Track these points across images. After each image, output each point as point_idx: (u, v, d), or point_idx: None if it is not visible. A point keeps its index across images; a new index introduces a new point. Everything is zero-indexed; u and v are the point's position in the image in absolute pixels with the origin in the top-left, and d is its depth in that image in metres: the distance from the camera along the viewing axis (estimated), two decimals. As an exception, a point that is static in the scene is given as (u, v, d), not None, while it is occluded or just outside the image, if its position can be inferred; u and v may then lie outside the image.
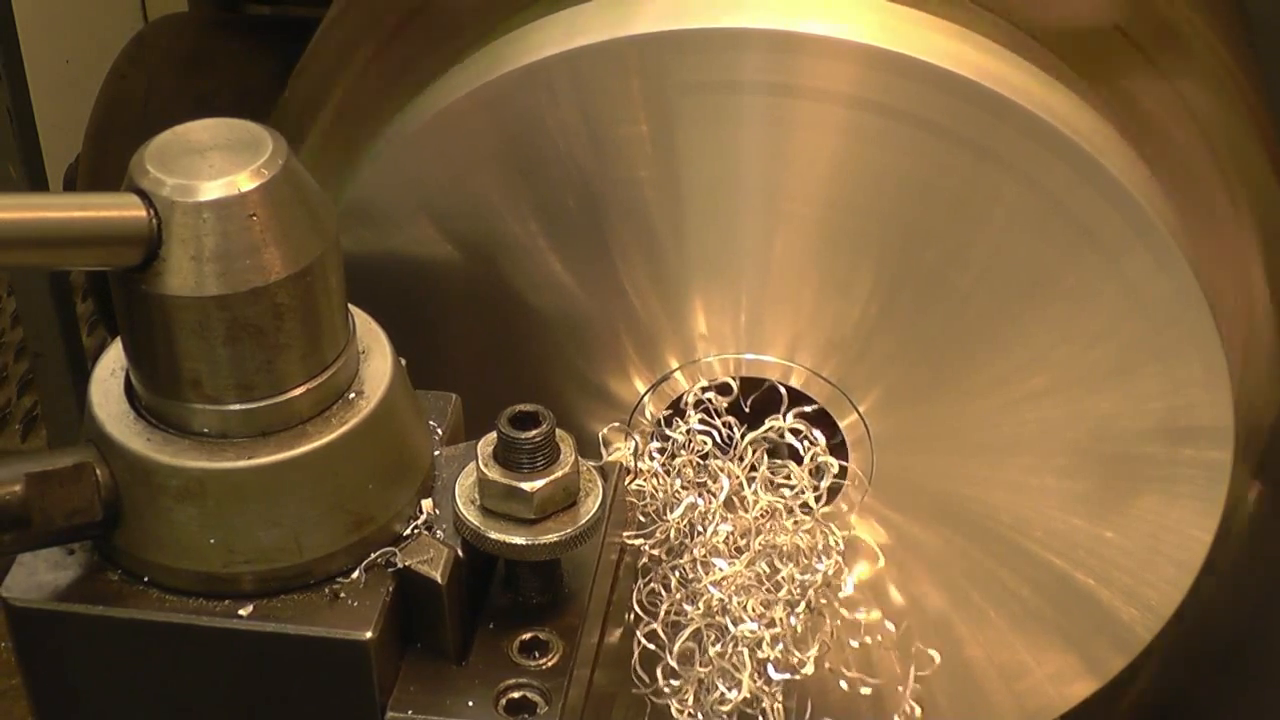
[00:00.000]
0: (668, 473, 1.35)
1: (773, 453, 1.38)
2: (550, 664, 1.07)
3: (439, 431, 1.15)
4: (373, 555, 1.06)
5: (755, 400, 1.38)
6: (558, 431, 1.07)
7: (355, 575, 1.05)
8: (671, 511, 1.33)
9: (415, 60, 1.37)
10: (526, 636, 1.09)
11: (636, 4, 1.28)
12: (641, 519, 1.33)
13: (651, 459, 1.36)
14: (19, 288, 2.33)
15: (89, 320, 3.07)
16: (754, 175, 1.29)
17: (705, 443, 1.37)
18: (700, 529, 1.33)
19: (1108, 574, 1.40)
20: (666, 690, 1.32)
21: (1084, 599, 1.41)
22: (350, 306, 1.08)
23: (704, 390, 1.37)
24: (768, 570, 1.34)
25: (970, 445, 1.37)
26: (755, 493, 1.35)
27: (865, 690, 1.45)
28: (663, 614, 1.32)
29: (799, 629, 1.34)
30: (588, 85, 1.27)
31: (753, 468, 1.37)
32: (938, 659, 1.42)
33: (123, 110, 2.20)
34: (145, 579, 1.05)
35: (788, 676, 1.34)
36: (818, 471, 1.37)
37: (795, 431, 1.36)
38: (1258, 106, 1.47)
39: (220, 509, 1.02)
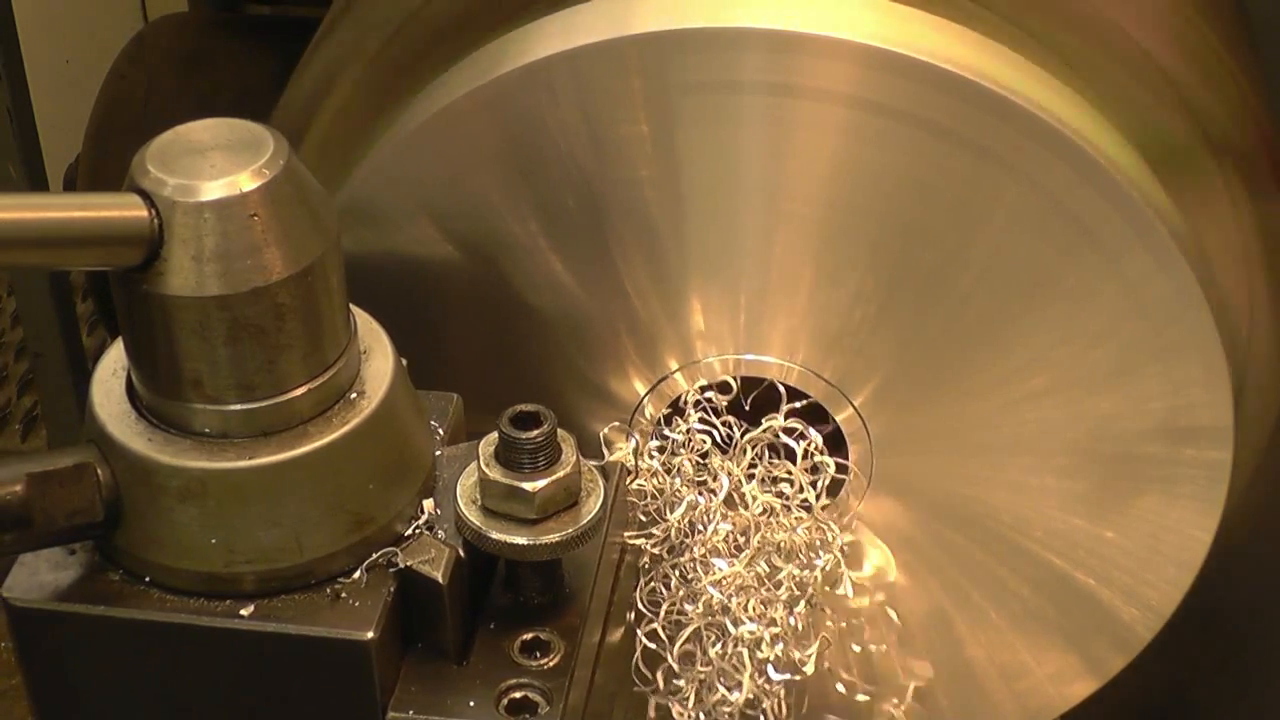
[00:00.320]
0: (668, 472, 1.35)
1: (778, 452, 1.38)
2: (551, 664, 1.07)
3: (440, 431, 1.15)
4: (374, 555, 1.06)
5: (755, 399, 1.38)
6: (559, 431, 1.07)
7: (356, 575, 1.05)
8: (672, 511, 1.33)
9: (415, 61, 1.37)
10: (528, 636, 1.09)
11: (637, 4, 1.28)
12: (642, 518, 1.33)
13: (651, 458, 1.36)
14: (19, 288, 2.33)
15: (89, 320, 3.07)
16: (754, 175, 1.29)
17: (705, 442, 1.37)
18: (700, 528, 1.33)
19: (1108, 574, 1.40)
20: (668, 691, 1.32)
21: (1084, 599, 1.41)
22: (351, 306, 1.08)
23: (703, 390, 1.38)
24: (767, 569, 1.34)
25: (971, 445, 1.37)
26: (754, 491, 1.35)
27: (861, 698, 1.45)
28: (663, 613, 1.32)
29: (799, 626, 1.34)
30: (588, 85, 1.27)
31: (752, 466, 1.37)
32: (930, 673, 1.43)
33: (123, 110, 2.20)
34: (146, 579, 1.05)
35: (788, 677, 1.34)
36: (815, 470, 1.37)
37: (792, 430, 1.37)
38: (1258, 106, 1.47)
39: (221, 509, 1.02)
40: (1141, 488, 1.37)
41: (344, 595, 1.05)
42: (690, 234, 1.32)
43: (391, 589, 1.05)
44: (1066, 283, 1.30)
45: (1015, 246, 1.29)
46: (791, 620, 1.33)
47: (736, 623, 1.31)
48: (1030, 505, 1.39)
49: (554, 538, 1.06)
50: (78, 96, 2.42)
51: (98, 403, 1.05)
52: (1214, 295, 1.31)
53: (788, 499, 1.37)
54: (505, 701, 1.05)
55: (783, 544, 1.36)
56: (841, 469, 1.38)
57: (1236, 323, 1.37)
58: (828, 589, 1.38)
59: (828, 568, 1.36)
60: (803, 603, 1.35)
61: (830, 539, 1.37)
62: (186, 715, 1.09)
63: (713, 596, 1.31)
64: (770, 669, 1.33)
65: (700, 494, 1.34)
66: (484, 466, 1.06)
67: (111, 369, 1.07)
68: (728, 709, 1.32)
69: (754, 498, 1.35)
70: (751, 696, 1.33)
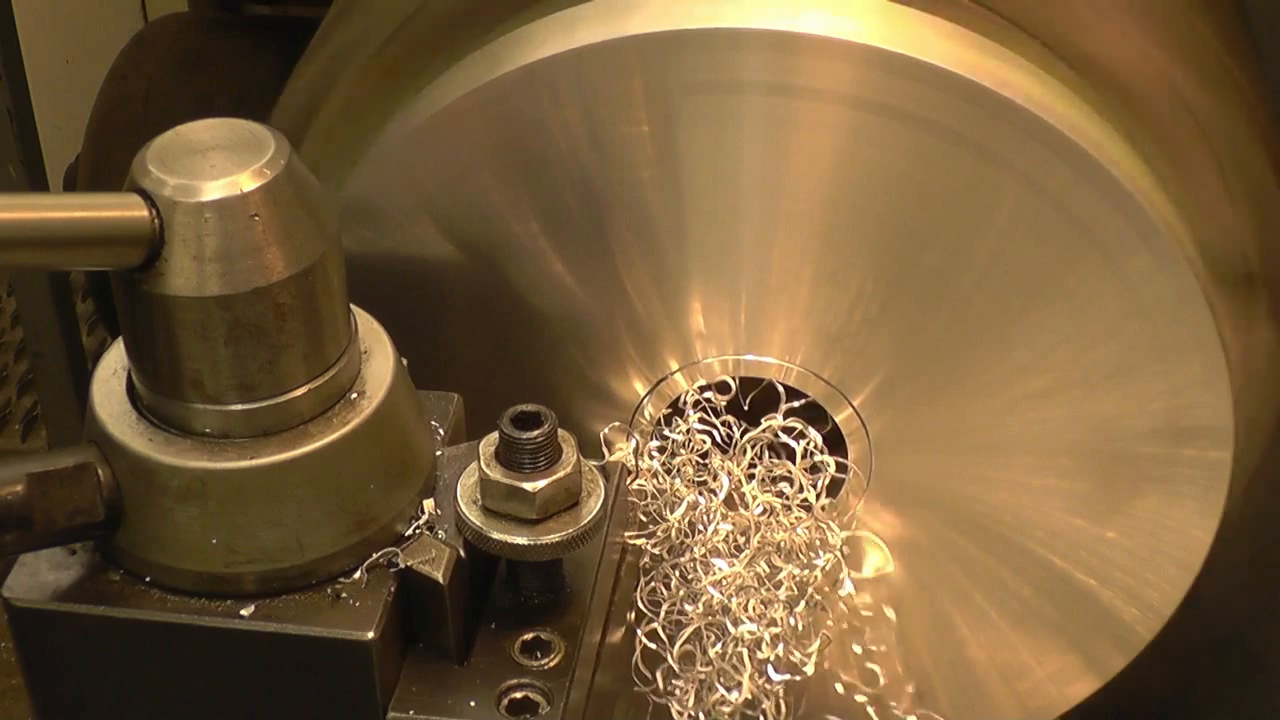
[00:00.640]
0: (668, 472, 1.35)
1: (778, 452, 1.38)
2: (552, 664, 1.07)
3: (441, 431, 1.15)
4: (375, 555, 1.06)
5: (755, 399, 1.38)
6: (560, 431, 1.07)
7: (357, 575, 1.06)
8: (672, 511, 1.33)
9: (415, 60, 1.37)
10: (528, 636, 1.09)
11: (637, 4, 1.28)
12: (642, 518, 1.33)
13: (652, 458, 1.36)
14: (19, 288, 2.33)
15: (89, 320, 3.07)
16: (754, 175, 1.29)
17: (705, 442, 1.37)
18: (701, 528, 1.33)
19: (1109, 574, 1.40)
20: (667, 692, 1.33)
21: (1085, 599, 1.41)
22: (352, 306, 1.08)
23: (703, 390, 1.38)
24: (767, 569, 1.34)
25: (972, 445, 1.37)
26: (754, 491, 1.35)
27: (860, 698, 1.45)
28: (663, 613, 1.32)
29: (799, 626, 1.34)
30: (588, 85, 1.27)
31: (752, 466, 1.37)
32: (892, 616, 1.43)
33: (123, 110, 2.20)
34: (147, 579, 1.05)
35: (788, 677, 1.34)
36: (815, 469, 1.37)
37: (791, 430, 1.37)
38: (1258, 106, 1.47)
39: (222, 509, 1.02)
40: (1142, 488, 1.37)
41: (345, 595, 1.05)
42: (691, 234, 1.32)
43: (392, 589, 1.05)
44: (1067, 283, 1.30)
45: (1016, 247, 1.29)
46: (791, 620, 1.33)
47: (736, 623, 1.31)
48: (1031, 505, 1.39)
49: (554, 538, 1.06)
50: (78, 96, 2.42)
51: (98, 403, 1.05)
52: (1214, 294, 1.31)
53: (788, 499, 1.37)
54: (506, 701, 1.05)
55: (783, 544, 1.36)
56: (841, 468, 1.38)
57: (1237, 321, 1.37)
58: (828, 589, 1.38)
59: (828, 567, 1.36)
60: (803, 603, 1.35)
61: (830, 539, 1.37)
62: (187, 715, 1.09)
63: (713, 596, 1.31)
64: (770, 669, 1.33)
65: (700, 494, 1.34)
66: (485, 466, 1.06)
67: (112, 369, 1.07)
68: (727, 709, 1.32)
69: (754, 498, 1.35)
70: (751, 697, 1.33)
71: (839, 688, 1.45)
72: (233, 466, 1.02)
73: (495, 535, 1.06)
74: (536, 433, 1.06)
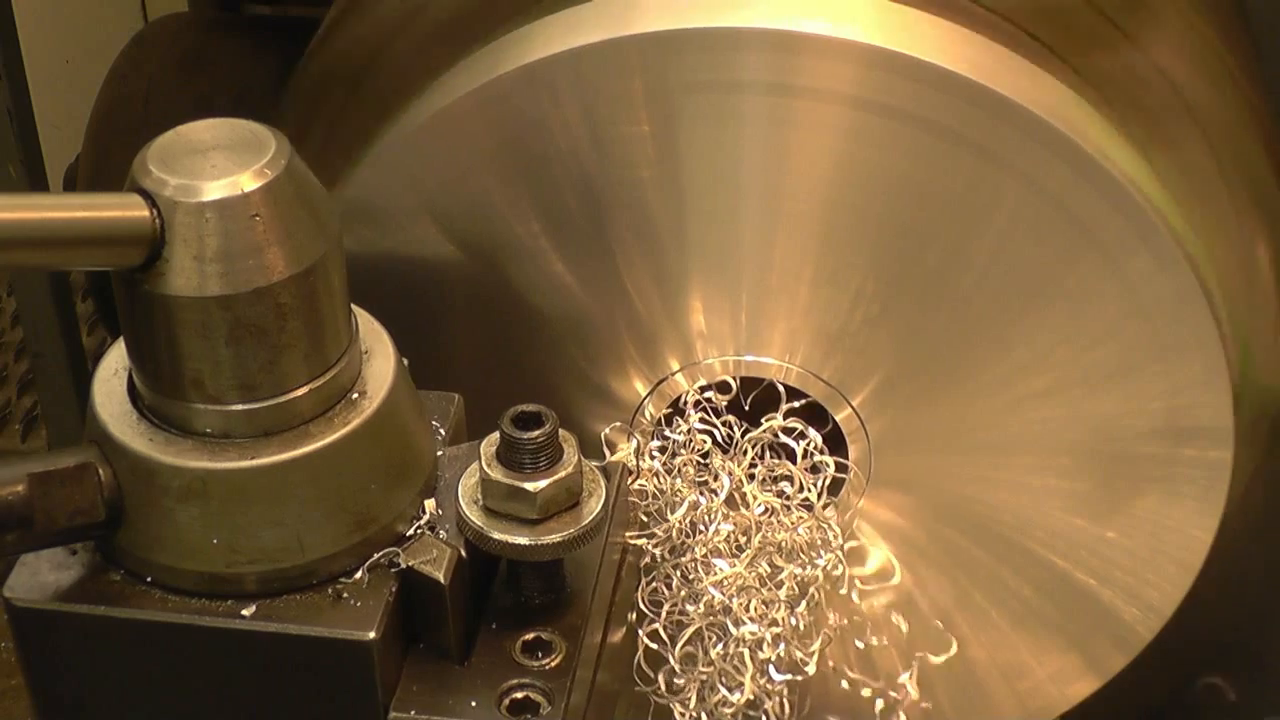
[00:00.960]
0: (669, 472, 1.35)
1: (779, 452, 1.38)
2: (553, 664, 1.07)
3: (442, 431, 1.15)
4: (376, 555, 1.06)
5: (756, 399, 1.38)
6: (560, 432, 1.07)
7: (358, 575, 1.06)
8: (673, 511, 1.33)
9: (415, 60, 1.37)
10: (529, 637, 1.09)
11: (637, 4, 1.28)
12: (643, 518, 1.33)
13: (653, 458, 1.36)
14: (19, 288, 2.32)
15: (89, 320, 3.07)
16: (755, 175, 1.29)
17: (705, 442, 1.37)
18: (702, 528, 1.33)
19: (1109, 574, 1.40)
20: (669, 692, 1.33)
21: (1086, 599, 1.41)
22: (353, 306, 1.08)
23: (703, 390, 1.38)
24: (769, 569, 1.34)
25: (972, 445, 1.37)
26: (755, 491, 1.35)
27: (866, 692, 1.45)
28: (665, 614, 1.32)
29: (800, 626, 1.34)
30: (589, 85, 1.27)
31: (752, 466, 1.37)
32: (954, 648, 1.43)
33: (123, 110, 2.20)
34: (148, 579, 1.05)
35: (789, 677, 1.34)
36: (816, 469, 1.37)
37: (792, 430, 1.37)
38: (1258, 105, 1.47)
39: (223, 509, 1.02)
40: (1142, 488, 1.37)
41: (346, 595, 1.05)
42: (691, 234, 1.32)
43: (393, 589, 1.05)
44: (1067, 283, 1.30)
45: (1016, 247, 1.29)
46: (793, 620, 1.33)
47: (738, 623, 1.31)
48: (1031, 505, 1.39)
49: (556, 538, 1.06)
50: (78, 96, 2.42)
51: (99, 403, 1.05)
52: (1214, 294, 1.31)
53: (788, 499, 1.37)
54: (507, 702, 1.05)
55: (784, 544, 1.36)
56: (841, 468, 1.38)
57: (1237, 321, 1.37)
58: (829, 588, 1.38)
59: (829, 567, 1.37)
60: (804, 602, 1.35)
61: (831, 538, 1.37)
62: (188, 715, 1.09)
63: (714, 597, 1.31)
64: (772, 669, 1.33)
65: (701, 494, 1.34)
66: (485, 466, 1.06)
67: (113, 369, 1.07)
68: (729, 709, 1.32)
69: (755, 498, 1.35)
70: (753, 697, 1.33)
71: (844, 684, 1.44)
72: (234, 466, 1.02)
73: (496, 535, 1.06)
74: (537, 433, 1.06)
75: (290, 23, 2.34)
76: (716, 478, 1.35)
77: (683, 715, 1.33)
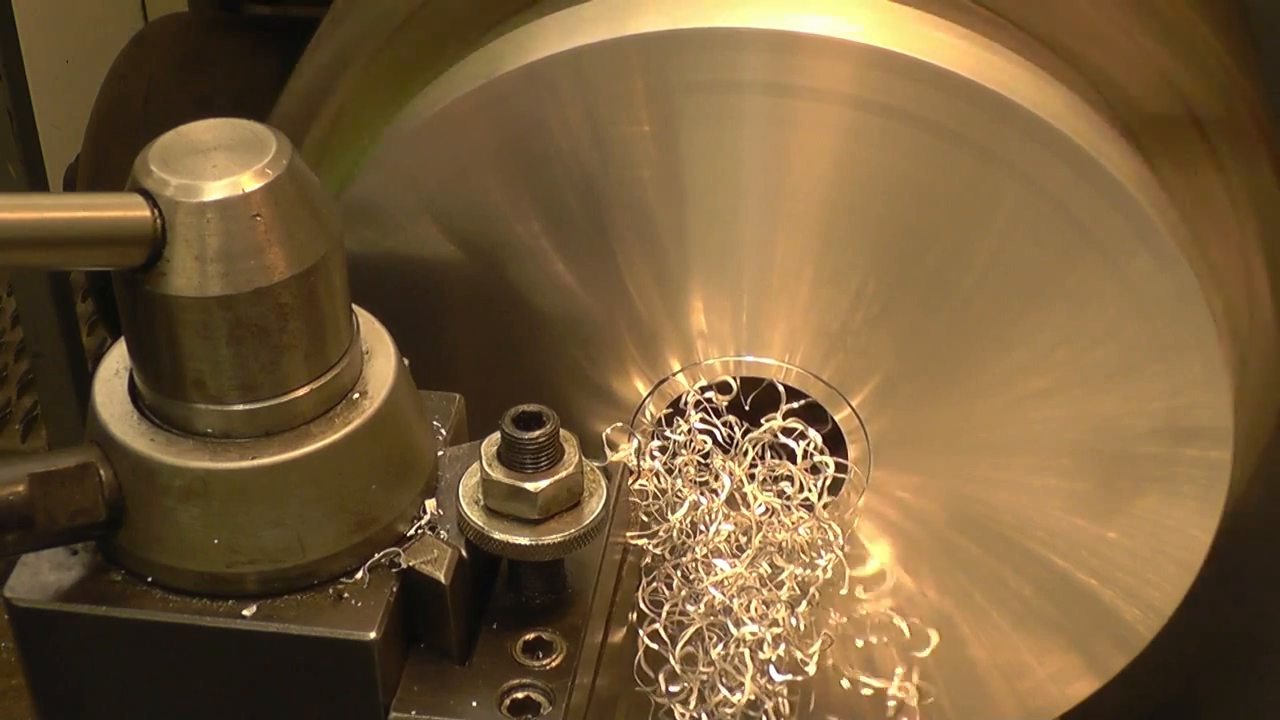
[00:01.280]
0: (670, 472, 1.35)
1: (779, 452, 1.38)
2: (554, 664, 1.07)
3: (442, 431, 1.15)
4: (376, 555, 1.06)
5: (756, 399, 1.38)
6: (561, 432, 1.07)
7: (359, 575, 1.06)
8: (674, 511, 1.33)
9: (415, 60, 1.37)
10: (530, 637, 1.09)
11: (637, 4, 1.28)
12: (644, 519, 1.33)
13: (653, 458, 1.36)
14: (19, 288, 2.33)
15: (89, 320, 3.07)
16: (755, 175, 1.29)
17: (706, 442, 1.37)
18: (702, 528, 1.33)
19: (1110, 573, 1.40)
20: (669, 693, 1.33)
21: (1086, 598, 1.41)
22: (354, 306, 1.08)
23: (704, 390, 1.38)
24: (769, 570, 1.34)
25: (972, 446, 1.37)
26: (756, 491, 1.35)
27: (866, 691, 1.45)
28: (665, 614, 1.32)
29: (801, 626, 1.34)
30: (589, 85, 1.27)
31: (753, 466, 1.37)
32: (935, 639, 1.43)
33: (123, 110, 2.20)
34: (149, 579, 1.05)
35: (790, 677, 1.34)
36: (815, 470, 1.37)
37: (792, 430, 1.37)
38: (1257, 104, 1.47)
39: (224, 509, 1.02)
40: (1142, 487, 1.37)
41: (346, 595, 1.05)
42: (691, 234, 1.32)
43: (394, 589, 1.05)
44: (1067, 283, 1.30)
45: (1016, 247, 1.29)
46: (793, 620, 1.33)
47: (738, 623, 1.31)
48: (1032, 505, 1.39)
49: (556, 538, 1.06)
50: (78, 96, 2.42)
51: (100, 403, 1.05)
52: (1214, 295, 1.31)
53: (789, 499, 1.37)
54: (508, 702, 1.05)
55: (784, 544, 1.36)
56: (841, 468, 1.39)
57: (1237, 321, 1.37)
58: (829, 588, 1.38)
59: (829, 567, 1.37)
60: (804, 602, 1.35)
61: (831, 538, 1.37)
62: (188, 715, 1.09)
63: (715, 597, 1.31)
64: (772, 669, 1.33)
65: (702, 494, 1.34)
66: (486, 467, 1.06)
67: (113, 369, 1.07)
68: (730, 710, 1.32)
69: (755, 498, 1.35)
70: (754, 697, 1.33)
71: (844, 683, 1.44)
72: (235, 466, 1.02)
73: (497, 535, 1.06)
74: (538, 433, 1.06)
75: (290, 23, 2.35)
76: (717, 478, 1.35)
77: (683, 715, 1.33)
